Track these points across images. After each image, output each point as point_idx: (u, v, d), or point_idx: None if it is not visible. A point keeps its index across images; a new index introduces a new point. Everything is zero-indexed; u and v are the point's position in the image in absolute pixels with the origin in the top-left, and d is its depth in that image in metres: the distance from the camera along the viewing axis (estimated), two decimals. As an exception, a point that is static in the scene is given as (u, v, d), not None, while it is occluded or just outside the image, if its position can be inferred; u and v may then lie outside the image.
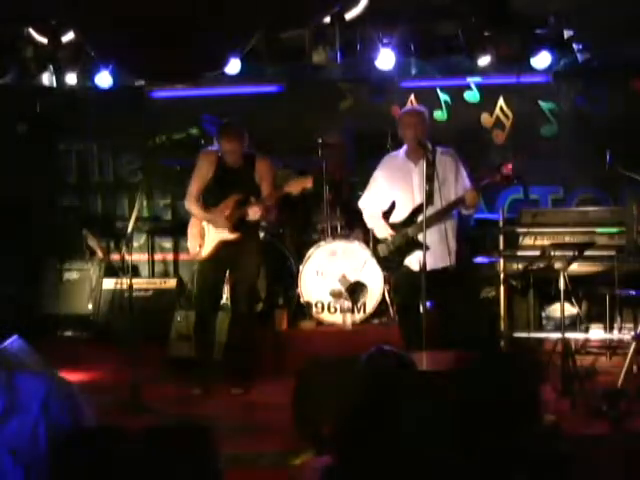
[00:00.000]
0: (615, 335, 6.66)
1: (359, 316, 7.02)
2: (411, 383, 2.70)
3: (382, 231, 6.00)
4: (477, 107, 8.42)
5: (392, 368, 2.94)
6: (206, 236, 6.27)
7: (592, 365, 6.27)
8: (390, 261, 6.01)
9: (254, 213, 6.10)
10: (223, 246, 6.21)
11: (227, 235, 6.18)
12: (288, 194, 6.23)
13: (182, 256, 8.71)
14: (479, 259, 7.00)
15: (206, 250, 6.26)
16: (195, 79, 7.70)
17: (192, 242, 6.35)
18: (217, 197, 6.21)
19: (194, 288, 6.69)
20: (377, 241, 6.08)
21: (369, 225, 6.21)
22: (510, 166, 5.80)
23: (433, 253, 5.63)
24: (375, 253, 6.11)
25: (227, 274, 6.37)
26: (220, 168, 6.21)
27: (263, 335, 6.91)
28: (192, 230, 6.35)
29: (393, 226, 5.96)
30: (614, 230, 6.62)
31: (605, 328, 6.78)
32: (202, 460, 2.39)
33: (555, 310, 6.82)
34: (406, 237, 5.87)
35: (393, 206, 6.00)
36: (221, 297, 6.54)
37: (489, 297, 6.94)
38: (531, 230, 6.79)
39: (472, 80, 8.30)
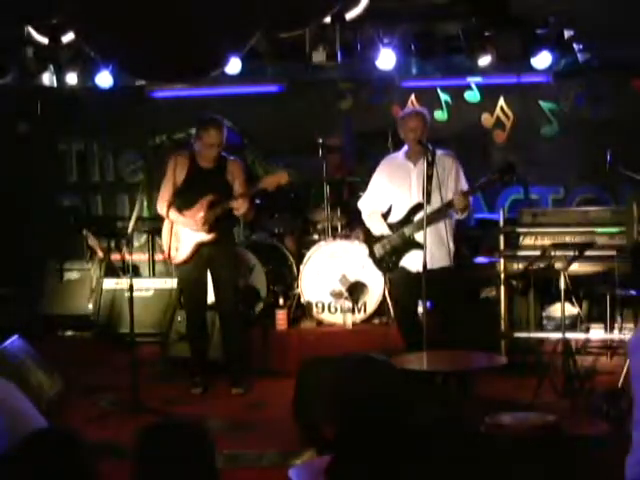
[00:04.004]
0: (615, 335, 6.66)
1: (359, 316, 7.01)
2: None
3: (379, 230, 5.99)
4: (477, 107, 8.43)
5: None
6: (181, 239, 6.19)
7: (592, 365, 6.27)
8: (386, 262, 5.99)
9: (239, 205, 6.07)
10: (201, 247, 6.18)
11: (204, 236, 6.14)
12: (264, 190, 6.23)
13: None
14: (479, 259, 7.00)
15: (183, 253, 6.20)
16: (195, 79, 7.69)
17: (168, 246, 6.26)
18: (190, 199, 6.14)
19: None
20: (373, 242, 6.06)
21: (367, 224, 6.20)
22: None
23: (430, 253, 5.61)
24: (371, 254, 6.09)
25: (209, 274, 6.32)
26: (192, 170, 6.16)
27: (263, 335, 6.92)
28: (166, 234, 6.27)
29: (390, 226, 5.95)
30: (614, 230, 6.61)
31: (605, 328, 6.77)
32: (199, 460, 2.39)
33: (555, 310, 6.82)
34: (402, 236, 5.87)
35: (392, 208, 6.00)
36: (207, 296, 6.43)
37: (489, 297, 6.94)
38: (531, 230, 6.79)
39: (472, 80, 8.30)
